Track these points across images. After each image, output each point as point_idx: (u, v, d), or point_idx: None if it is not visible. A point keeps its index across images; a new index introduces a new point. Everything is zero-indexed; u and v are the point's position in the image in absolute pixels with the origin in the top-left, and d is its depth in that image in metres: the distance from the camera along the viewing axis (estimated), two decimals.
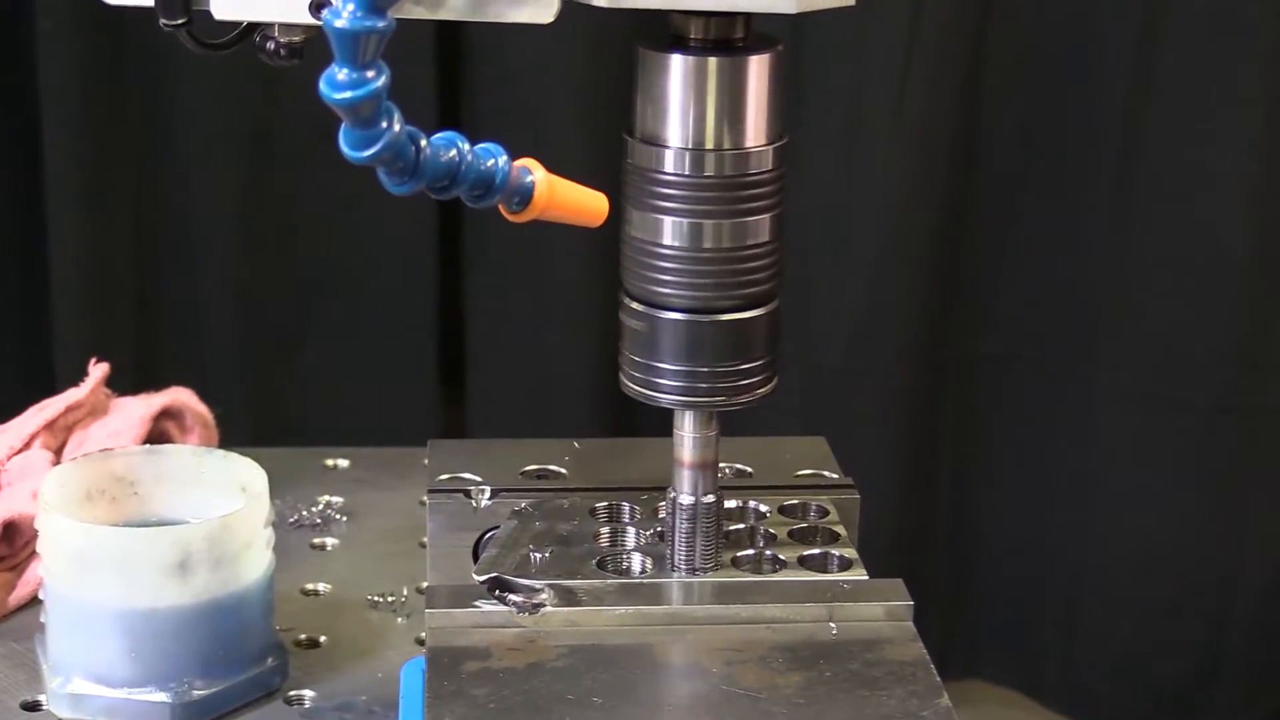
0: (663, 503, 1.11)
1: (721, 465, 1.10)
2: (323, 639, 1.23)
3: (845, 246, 2.38)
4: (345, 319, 2.52)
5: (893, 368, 2.42)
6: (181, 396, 1.39)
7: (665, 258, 1.03)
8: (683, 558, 1.08)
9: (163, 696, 1.10)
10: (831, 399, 2.40)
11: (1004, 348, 2.44)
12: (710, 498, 1.08)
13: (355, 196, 2.39)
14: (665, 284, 1.03)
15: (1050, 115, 2.34)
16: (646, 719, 0.97)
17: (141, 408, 1.36)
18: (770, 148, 1.03)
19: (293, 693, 1.16)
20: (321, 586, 1.30)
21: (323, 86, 0.84)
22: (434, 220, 2.48)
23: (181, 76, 2.38)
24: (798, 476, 1.20)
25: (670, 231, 1.03)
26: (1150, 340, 2.34)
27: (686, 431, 1.07)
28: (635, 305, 1.05)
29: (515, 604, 1.04)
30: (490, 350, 2.53)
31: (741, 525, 1.14)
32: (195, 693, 1.11)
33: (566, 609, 1.04)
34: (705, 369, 1.04)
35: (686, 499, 1.08)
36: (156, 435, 1.36)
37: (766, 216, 1.04)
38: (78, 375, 1.37)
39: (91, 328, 2.40)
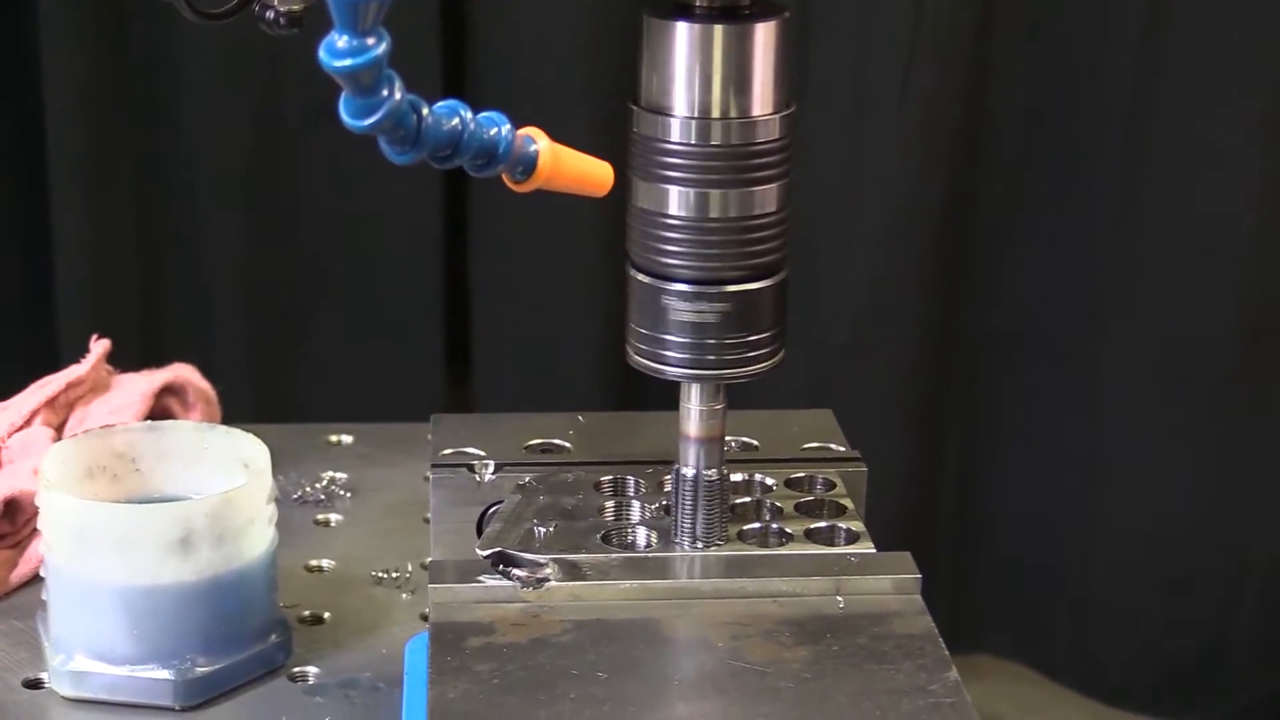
0: (668, 476, 1.10)
1: (727, 438, 1.09)
2: (326, 615, 1.22)
3: (852, 224, 2.38)
4: (350, 298, 2.51)
5: (900, 344, 2.41)
6: (184, 372, 1.39)
7: (672, 228, 1.02)
8: (688, 531, 1.07)
9: (165, 674, 1.10)
10: (839, 375, 2.40)
11: (1011, 324, 2.43)
12: (716, 471, 1.07)
13: (359, 175, 2.39)
14: (672, 255, 1.02)
15: (1057, 94, 2.33)
16: (652, 694, 0.96)
17: (143, 384, 1.36)
18: (777, 116, 1.02)
19: (296, 669, 1.16)
20: (325, 563, 1.30)
21: (322, 54, 0.83)
22: (439, 198, 2.48)
23: (184, 57, 2.38)
24: (805, 449, 1.19)
25: (676, 201, 1.02)
26: (1158, 317, 2.34)
27: (693, 404, 1.06)
28: (641, 277, 1.04)
29: (519, 579, 1.03)
30: (496, 327, 2.52)
31: (747, 498, 1.13)
32: (198, 670, 1.10)
33: (571, 583, 1.03)
34: (712, 340, 1.03)
35: (692, 472, 1.07)
36: (159, 411, 1.36)
37: (774, 186, 1.02)
38: (81, 356, 1.37)
39: (95, 309, 2.40)
